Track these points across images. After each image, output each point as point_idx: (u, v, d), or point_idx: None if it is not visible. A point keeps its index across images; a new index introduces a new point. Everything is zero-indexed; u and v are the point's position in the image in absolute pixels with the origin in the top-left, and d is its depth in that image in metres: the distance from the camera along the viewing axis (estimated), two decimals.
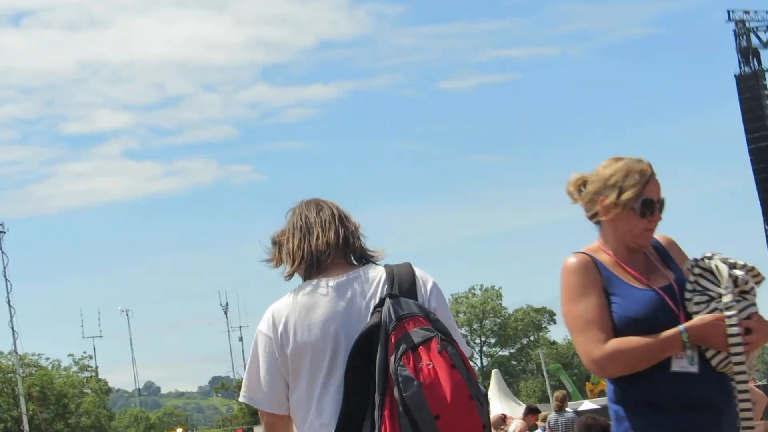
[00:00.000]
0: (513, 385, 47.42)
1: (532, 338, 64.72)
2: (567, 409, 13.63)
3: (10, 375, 43.68)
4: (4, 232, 35.96)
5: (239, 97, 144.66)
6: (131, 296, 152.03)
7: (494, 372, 35.54)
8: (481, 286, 65.96)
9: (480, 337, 64.78)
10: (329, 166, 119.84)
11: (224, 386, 63.70)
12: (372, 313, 2.31)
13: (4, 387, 46.12)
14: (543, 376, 47.62)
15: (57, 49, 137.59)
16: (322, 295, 2.41)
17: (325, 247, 2.46)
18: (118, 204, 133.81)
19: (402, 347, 2.15)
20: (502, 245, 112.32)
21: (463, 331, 60.59)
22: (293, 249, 2.49)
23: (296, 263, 2.49)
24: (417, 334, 2.16)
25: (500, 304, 64.31)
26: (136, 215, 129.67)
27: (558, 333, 65.83)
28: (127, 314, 64.64)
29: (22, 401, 36.88)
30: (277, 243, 2.61)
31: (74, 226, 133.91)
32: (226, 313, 60.35)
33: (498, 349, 66.13)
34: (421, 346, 2.14)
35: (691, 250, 2.59)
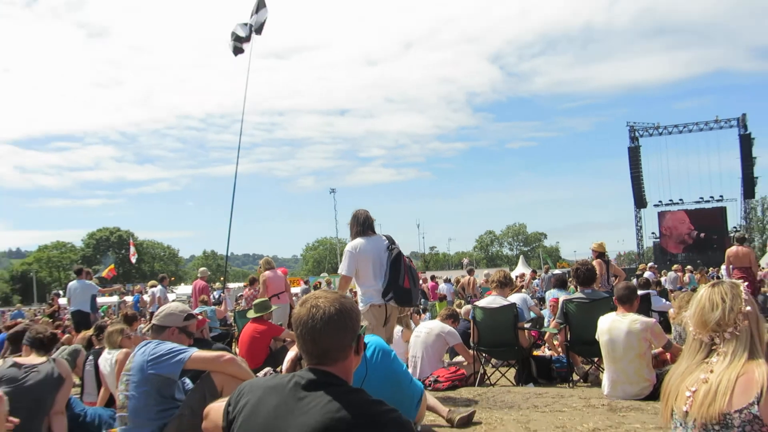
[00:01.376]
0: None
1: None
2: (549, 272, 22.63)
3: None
4: (335, 191, 66.11)
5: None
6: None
7: (521, 257, 63.91)
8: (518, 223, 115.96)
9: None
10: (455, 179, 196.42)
11: None
12: (392, 248, 6.36)
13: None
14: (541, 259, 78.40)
15: None
16: (368, 240, 6.40)
17: (363, 226, 6.52)
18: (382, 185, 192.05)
19: (407, 261, 6.42)
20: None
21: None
22: (354, 227, 6.55)
23: (354, 233, 6.53)
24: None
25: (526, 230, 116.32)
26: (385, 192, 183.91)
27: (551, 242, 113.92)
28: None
29: None
30: (350, 226, 6.64)
31: (369, 193, 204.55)
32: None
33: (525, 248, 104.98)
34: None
35: None
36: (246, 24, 14.19)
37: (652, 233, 56.29)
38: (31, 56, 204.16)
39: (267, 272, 12.42)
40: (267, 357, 8.67)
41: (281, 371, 6.17)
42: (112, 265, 38.77)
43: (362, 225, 6.64)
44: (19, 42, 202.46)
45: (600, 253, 10.83)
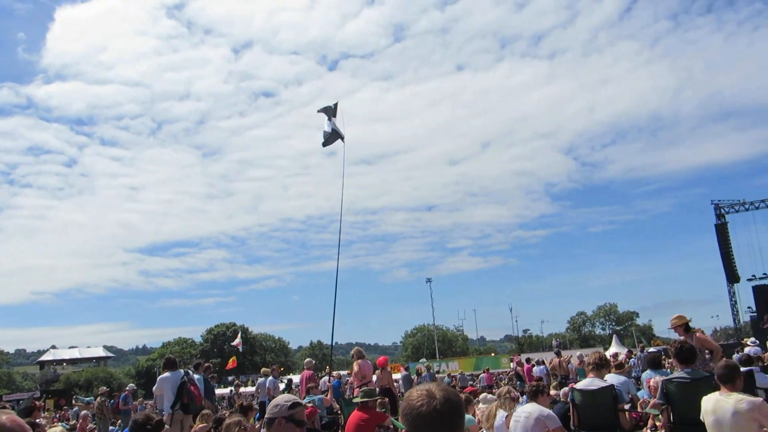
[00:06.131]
0: None
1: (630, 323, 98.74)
2: None
3: None
4: (431, 281, 69.27)
5: None
6: None
7: (614, 337, 58.48)
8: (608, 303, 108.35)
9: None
10: None
11: None
12: (183, 379, 11.22)
13: None
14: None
15: None
16: (172, 373, 11.39)
17: (169, 366, 11.60)
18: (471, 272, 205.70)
19: (190, 385, 11.35)
20: None
21: None
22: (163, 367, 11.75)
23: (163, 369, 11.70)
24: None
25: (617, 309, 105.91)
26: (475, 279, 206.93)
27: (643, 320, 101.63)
28: None
29: None
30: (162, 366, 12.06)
31: (459, 280, 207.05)
32: None
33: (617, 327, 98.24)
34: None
35: None
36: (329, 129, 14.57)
37: (749, 308, 51.80)
38: (155, 176, 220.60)
39: (359, 360, 13.62)
40: None
41: None
42: (234, 357, 39.67)
43: (169, 365, 11.46)
44: (146, 164, 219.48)
45: (685, 326, 9.69)
